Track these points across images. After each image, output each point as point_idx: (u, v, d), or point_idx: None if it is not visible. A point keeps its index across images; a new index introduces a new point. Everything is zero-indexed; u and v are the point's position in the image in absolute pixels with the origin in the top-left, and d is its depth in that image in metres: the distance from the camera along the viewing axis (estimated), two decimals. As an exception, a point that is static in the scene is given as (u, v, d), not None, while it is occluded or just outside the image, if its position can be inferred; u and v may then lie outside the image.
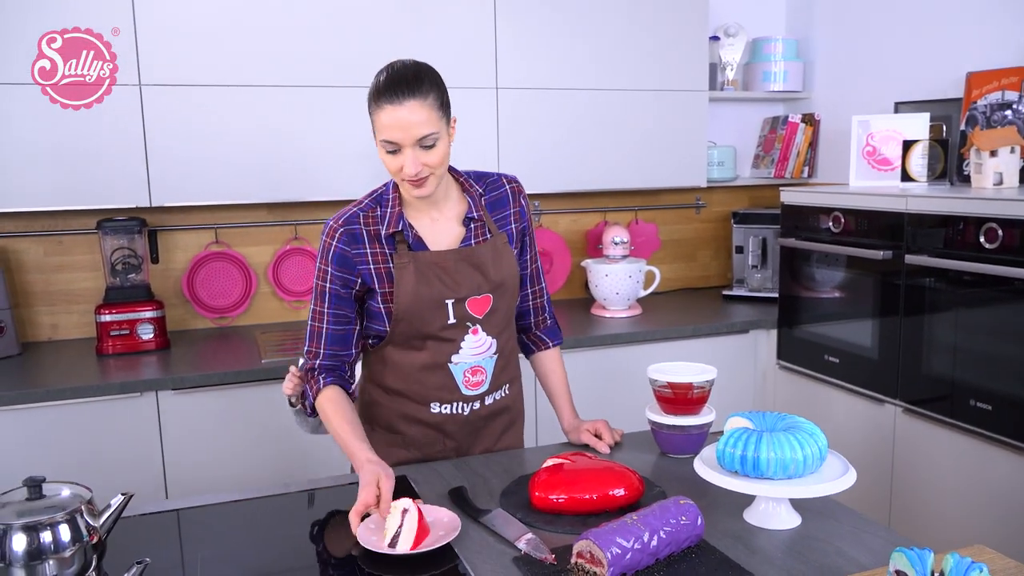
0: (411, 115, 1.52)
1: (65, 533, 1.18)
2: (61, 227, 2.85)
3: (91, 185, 2.56)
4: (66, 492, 1.24)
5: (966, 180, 2.73)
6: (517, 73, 2.98)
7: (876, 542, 1.33)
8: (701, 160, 3.31)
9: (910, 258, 2.42)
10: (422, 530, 1.34)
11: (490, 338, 1.73)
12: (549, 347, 1.92)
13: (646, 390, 1.77)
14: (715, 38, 3.49)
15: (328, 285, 1.67)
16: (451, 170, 1.74)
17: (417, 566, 1.31)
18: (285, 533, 1.53)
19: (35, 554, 1.15)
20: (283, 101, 2.71)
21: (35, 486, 1.22)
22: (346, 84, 2.74)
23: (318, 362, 1.69)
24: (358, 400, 1.80)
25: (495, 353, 1.74)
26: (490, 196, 1.77)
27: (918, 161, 2.72)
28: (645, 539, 1.22)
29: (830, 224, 2.74)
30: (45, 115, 2.49)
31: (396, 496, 1.41)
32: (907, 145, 2.73)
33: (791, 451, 1.32)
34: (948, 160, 2.74)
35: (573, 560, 1.23)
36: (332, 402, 1.64)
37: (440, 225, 1.71)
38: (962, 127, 2.76)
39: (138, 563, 1.23)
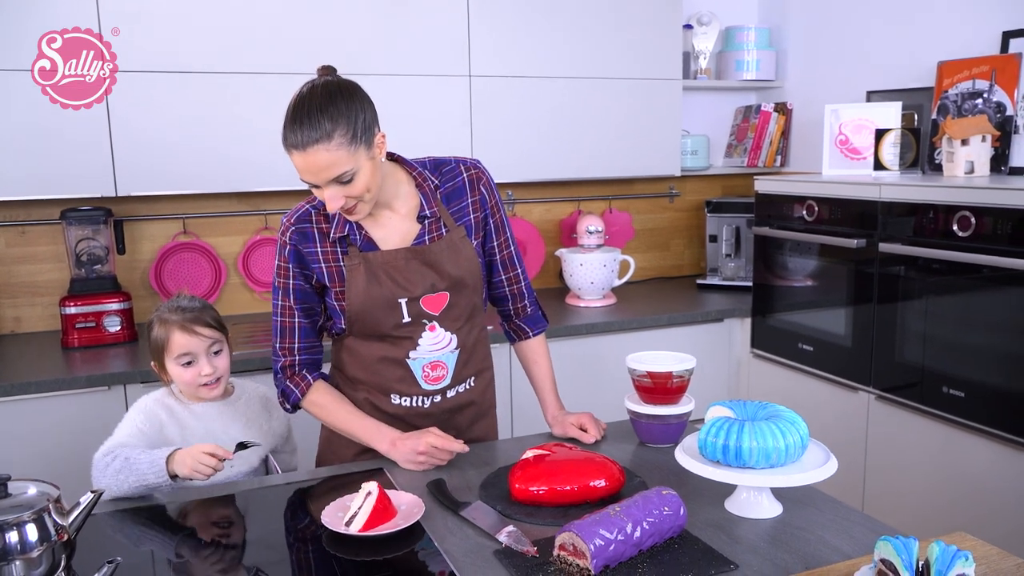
0: (317, 160, 1.47)
1: (32, 533, 1.14)
2: (23, 217, 2.77)
3: (55, 174, 2.49)
4: (32, 490, 1.21)
5: (938, 169, 2.75)
6: (490, 61, 2.95)
7: (857, 530, 1.33)
8: (675, 149, 3.31)
9: (883, 246, 2.43)
10: (383, 513, 1.36)
11: (449, 334, 1.70)
12: (530, 336, 1.89)
13: (621, 380, 1.76)
14: (688, 27, 3.49)
15: (291, 281, 1.68)
16: (404, 163, 1.70)
17: (379, 547, 1.33)
18: (257, 527, 1.51)
19: (1, 555, 1.11)
20: (252, 88, 2.65)
21: (0, 485, 1.18)
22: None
23: (297, 358, 1.72)
24: None
25: (456, 348, 1.72)
26: (446, 187, 1.72)
27: (890, 150, 2.73)
28: (628, 530, 1.21)
29: (803, 213, 2.75)
30: (16, 103, 2.42)
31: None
32: (879, 134, 2.74)
33: (773, 440, 1.32)
34: (920, 149, 2.76)
35: (555, 552, 1.22)
36: (328, 395, 1.72)
37: (392, 223, 1.67)
38: (933, 116, 2.79)
39: (109, 562, 1.21)
